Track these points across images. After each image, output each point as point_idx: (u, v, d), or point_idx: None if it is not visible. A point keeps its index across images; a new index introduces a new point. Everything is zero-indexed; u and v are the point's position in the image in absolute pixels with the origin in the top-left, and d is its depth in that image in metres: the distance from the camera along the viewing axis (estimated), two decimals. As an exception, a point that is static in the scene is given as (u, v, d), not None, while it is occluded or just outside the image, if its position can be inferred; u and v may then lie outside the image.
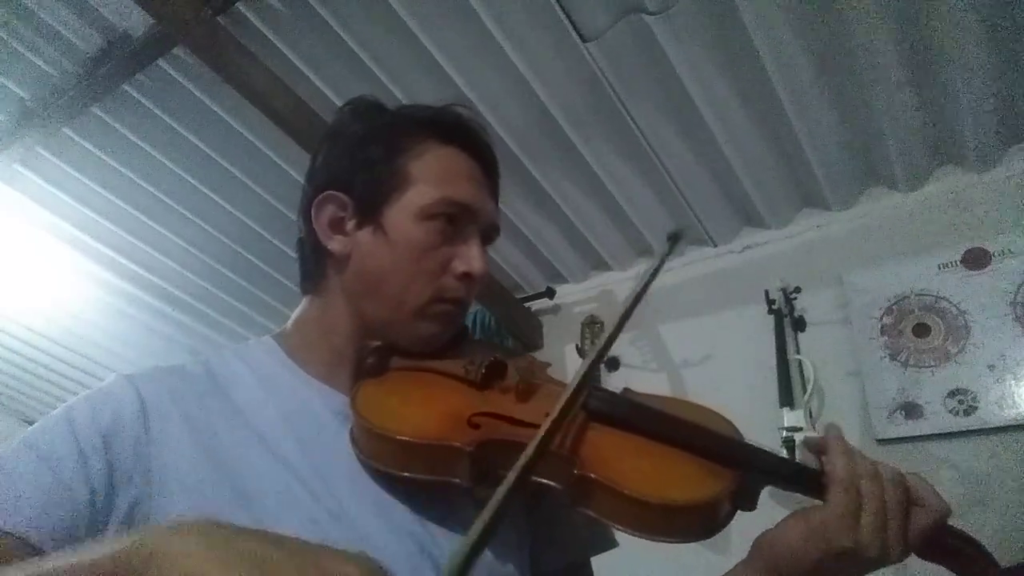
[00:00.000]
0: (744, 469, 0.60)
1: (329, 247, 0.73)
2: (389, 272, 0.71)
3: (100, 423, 0.59)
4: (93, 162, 2.23)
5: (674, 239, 0.73)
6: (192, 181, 2.28)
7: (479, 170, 0.76)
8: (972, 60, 1.56)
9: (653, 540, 0.57)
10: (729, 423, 0.68)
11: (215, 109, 2.03)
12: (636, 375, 2.27)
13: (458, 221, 0.72)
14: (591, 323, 2.19)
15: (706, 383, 2.11)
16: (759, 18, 1.54)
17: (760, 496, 0.62)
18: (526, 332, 2.52)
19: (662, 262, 0.71)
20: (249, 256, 2.57)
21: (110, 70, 1.92)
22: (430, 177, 0.72)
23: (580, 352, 2.17)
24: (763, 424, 1.86)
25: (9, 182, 2.31)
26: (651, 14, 1.57)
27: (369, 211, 0.72)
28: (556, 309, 2.56)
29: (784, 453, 1.79)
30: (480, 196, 0.74)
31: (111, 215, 2.44)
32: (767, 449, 0.63)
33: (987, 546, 0.62)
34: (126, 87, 1.98)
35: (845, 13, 1.52)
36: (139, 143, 2.16)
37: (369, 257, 0.71)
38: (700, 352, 2.16)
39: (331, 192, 0.73)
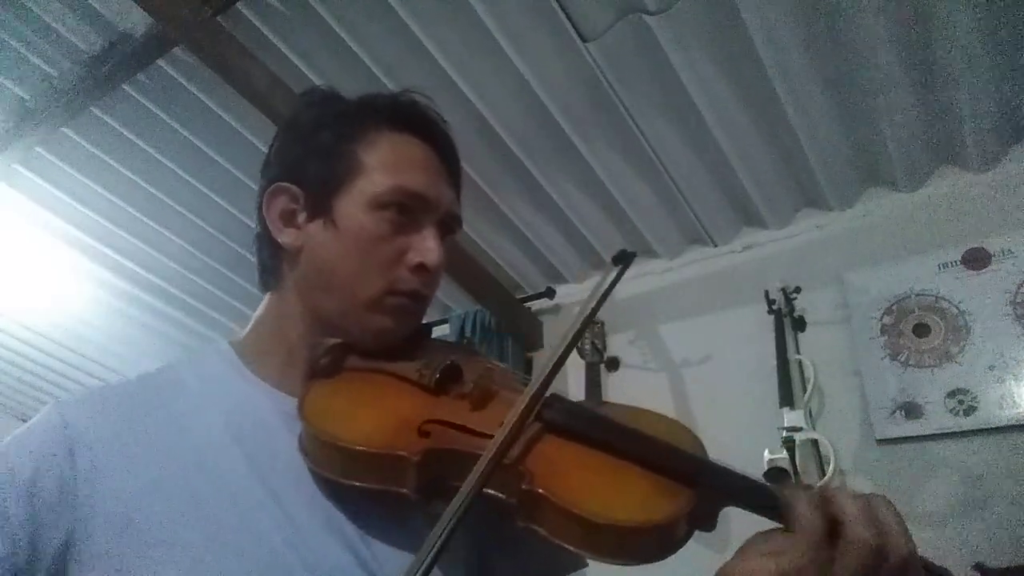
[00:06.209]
0: (702, 488, 0.57)
1: (281, 241, 0.70)
2: (339, 264, 0.68)
3: (24, 468, 0.56)
4: (93, 162, 2.23)
5: (623, 259, 0.68)
6: (192, 181, 2.28)
7: (435, 158, 0.73)
8: (972, 60, 1.56)
9: (604, 562, 0.54)
10: (695, 438, 0.63)
11: (215, 109, 2.03)
12: (636, 375, 2.27)
13: (412, 211, 0.69)
14: (591, 323, 2.19)
15: (706, 383, 2.11)
16: (759, 18, 1.54)
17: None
18: (526, 332, 2.52)
19: (612, 287, 0.67)
20: (249, 256, 2.56)
21: (110, 70, 1.92)
22: (382, 165, 0.69)
23: (580, 352, 2.17)
24: (763, 424, 1.86)
25: (9, 182, 2.31)
26: (651, 14, 1.57)
27: (320, 202, 0.69)
28: (556, 309, 2.55)
29: (784, 453, 1.79)
30: (435, 185, 0.71)
31: (111, 215, 2.44)
32: (729, 468, 0.59)
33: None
34: (126, 87, 1.98)
35: (845, 13, 1.52)
36: (139, 143, 2.16)
37: (320, 249, 0.69)
38: (700, 352, 2.16)
39: (282, 184, 0.71)
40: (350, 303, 0.69)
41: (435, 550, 0.48)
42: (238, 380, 0.69)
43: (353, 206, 0.68)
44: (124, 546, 0.54)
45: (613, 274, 0.68)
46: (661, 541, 0.55)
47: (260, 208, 0.72)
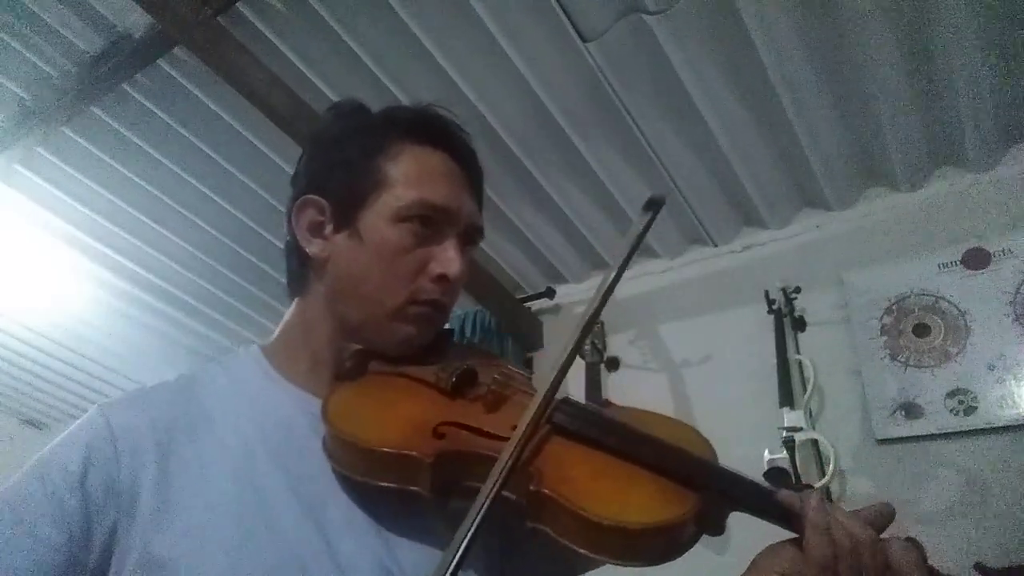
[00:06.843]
0: (709, 493, 0.58)
1: (308, 251, 0.73)
2: (364, 275, 0.70)
3: (74, 462, 0.60)
4: (93, 162, 2.23)
5: (653, 205, 0.67)
6: (192, 181, 2.28)
7: (457, 171, 0.75)
8: (972, 60, 1.56)
9: (610, 563, 0.55)
10: (705, 442, 0.64)
11: (215, 109, 2.03)
12: (636, 375, 2.27)
13: (434, 223, 0.71)
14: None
15: (706, 383, 2.11)
16: (759, 18, 1.54)
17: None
18: (526, 332, 2.52)
19: (643, 235, 0.67)
20: (249, 256, 2.57)
21: (110, 70, 1.92)
22: (405, 178, 0.71)
23: (580, 352, 2.17)
24: (763, 424, 1.86)
25: (9, 182, 2.31)
26: (651, 14, 1.57)
27: (346, 214, 0.72)
28: (556, 309, 2.55)
29: (784, 453, 1.79)
30: (457, 197, 0.73)
31: (111, 215, 2.44)
32: (738, 473, 0.59)
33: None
34: (126, 87, 1.98)
35: (845, 13, 1.52)
36: (139, 143, 2.16)
37: (346, 260, 0.72)
38: (700, 352, 2.16)
39: (310, 196, 0.73)
40: (374, 312, 0.71)
41: (460, 551, 0.49)
42: (266, 382, 0.72)
43: (377, 218, 0.70)
44: (159, 542, 0.57)
45: (644, 220, 0.67)
46: (667, 544, 0.56)
47: (289, 219, 0.75)
